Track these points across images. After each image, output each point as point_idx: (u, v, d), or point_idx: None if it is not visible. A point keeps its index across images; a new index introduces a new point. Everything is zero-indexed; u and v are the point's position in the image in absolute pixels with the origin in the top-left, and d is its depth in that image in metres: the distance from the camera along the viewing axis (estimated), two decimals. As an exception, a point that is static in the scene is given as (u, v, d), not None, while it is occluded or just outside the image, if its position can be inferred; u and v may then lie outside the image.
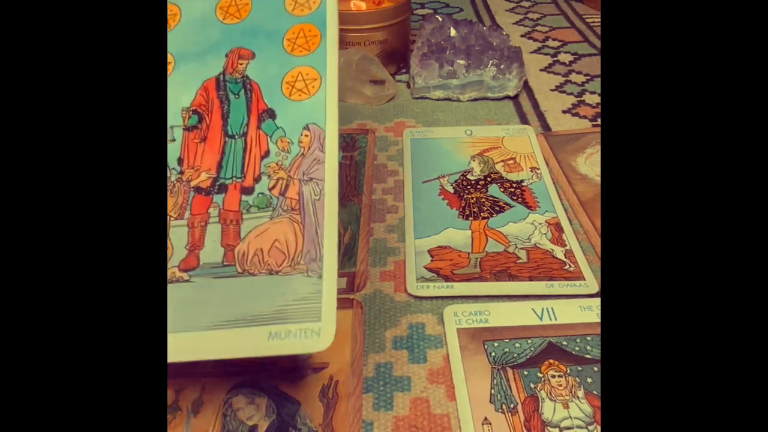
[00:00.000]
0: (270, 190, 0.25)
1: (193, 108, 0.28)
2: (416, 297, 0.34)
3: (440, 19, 0.59)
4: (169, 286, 0.24)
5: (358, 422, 0.27)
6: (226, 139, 0.27)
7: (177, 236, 0.26)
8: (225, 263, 0.24)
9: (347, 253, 0.36)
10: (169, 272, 0.24)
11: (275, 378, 0.29)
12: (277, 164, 0.26)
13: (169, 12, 0.29)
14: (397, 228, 0.39)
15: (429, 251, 0.37)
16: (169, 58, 0.28)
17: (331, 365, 0.29)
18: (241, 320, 0.23)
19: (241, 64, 0.28)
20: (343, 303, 0.33)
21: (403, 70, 0.60)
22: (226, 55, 0.29)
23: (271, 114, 0.27)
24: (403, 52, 0.60)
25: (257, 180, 0.26)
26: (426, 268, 0.36)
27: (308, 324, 0.23)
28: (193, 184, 0.26)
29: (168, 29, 0.29)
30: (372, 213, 0.40)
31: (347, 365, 0.29)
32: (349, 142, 0.48)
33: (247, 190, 0.26)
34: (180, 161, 0.27)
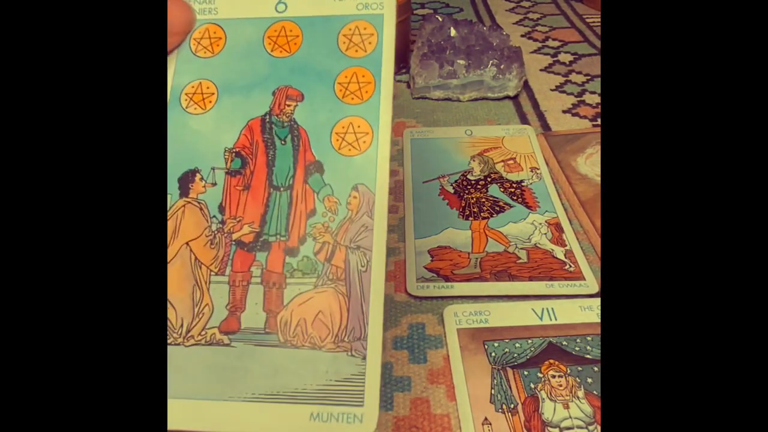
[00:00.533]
0: (315, 254, 0.23)
1: (236, 149, 0.25)
2: (416, 297, 0.34)
3: (440, 19, 0.59)
4: (210, 349, 0.23)
5: (358, 422, 0.27)
6: (271, 190, 0.24)
7: (217, 294, 0.23)
8: (267, 330, 0.23)
9: None
10: (208, 333, 0.23)
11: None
12: (323, 226, 0.23)
13: (213, 34, 0.26)
14: (397, 228, 0.39)
15: (429, 251, 0.37)
16: (212, 87, 0.26)
17: (332, 365, 0.29)
18: (283, 395, 0.22)
19: (288, 105, 0.25)
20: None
21: (403, 70, 0.60)
22: (273, 93, 0.26)
23: (319, 168, 0.24)
24: (403, 52, 0.60)
25: (302, 241, 0.23)
26: (426, 268, 0.36)
27: (351, 408, 0.21)
28: (234, 236, 0.24)
29: (212, 53, 0.26)
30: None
31: (347, 365, 0.29)
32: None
33: (292, 252, 0.23)
34: (221, 209, 0.24)
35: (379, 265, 0.23)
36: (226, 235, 0.24)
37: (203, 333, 0.23)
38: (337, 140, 0.25)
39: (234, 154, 0.25)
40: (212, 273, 0.24)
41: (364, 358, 0.22)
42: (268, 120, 0.25)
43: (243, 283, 0.24)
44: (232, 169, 0.25)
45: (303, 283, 0.23)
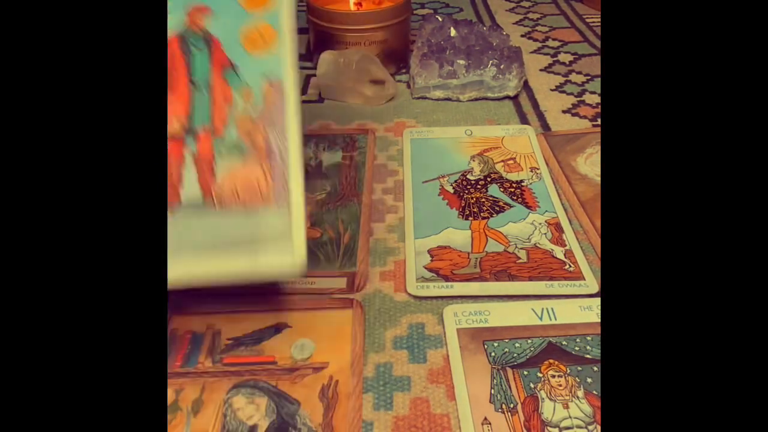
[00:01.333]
0: (238, 137, 0.28)
1: None
2: (416, 297, 0.34)
3: (440, 19, 0.59)
4: None
5: (357, 422, 0.27)
6: (192, 87, 0.29)
7: None
8: (204, 202, 0.27)
9: (346, 253, 0.36)
10: None
11: (275, 378, 0.29)
12: (242, 113, 0.28)
13: None
14: (397, 228, 0.39)
15: (429, 251, 0.37)
16: None
17: (331, 365, 0.29)
18: (223, 250, 0.26)
19: (201, 19, 0.30)
20: (343, 303, 0.33)
21: (403, 70, 0.60)
22: (188, 13, 0.30)
23: (234, 67, 0.29)
24: (403, 52, 0.60)
25: (226, 127, 0.28)
26: (426, 268, 0.36)
27: (283, 246, 0.27)
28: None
29: None
30: (372, 213, 0.40)
31: (347, 365, 0.29)
32: (349, 142, 0.48)
33: (218, 137, 0.28)
34: None
35: (295, 142, 0.28)
36: None
37: None
38: (246, 43, 0.29)
39: None
40: None
41: (289, 210, 0.27)
42: (184, 32, 0.30)
43: (178, 166, 0.28)
44: None
45: (231, 160, 0.28)
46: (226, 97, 0.28)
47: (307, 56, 0.62)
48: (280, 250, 0.26)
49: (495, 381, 0.28)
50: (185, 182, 0.28)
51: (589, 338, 0.30)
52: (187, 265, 0.25)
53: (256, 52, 0.29)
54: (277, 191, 0.27)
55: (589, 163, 0.44)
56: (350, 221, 0.39)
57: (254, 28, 0.29)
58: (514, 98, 0.55)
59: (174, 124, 0.28)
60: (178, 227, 0.26)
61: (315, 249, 0.37)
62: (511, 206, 0.41)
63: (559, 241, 0.37)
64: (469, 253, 0.37)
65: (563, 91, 0.56)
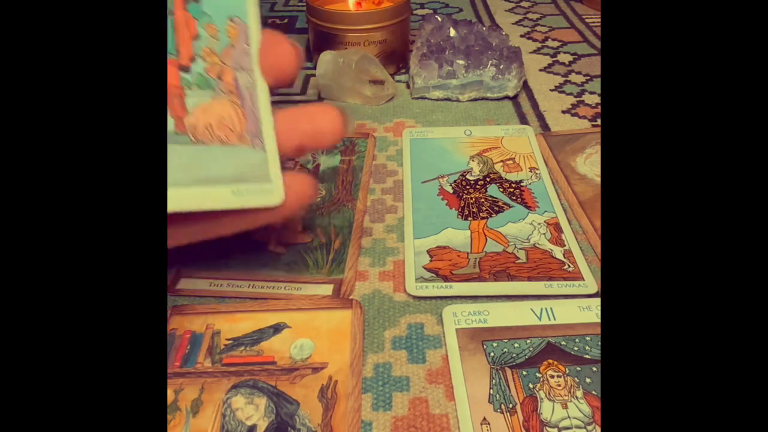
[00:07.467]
0: (206, 72, 0.27)
1: None
2: (415, 297, 0.34)
3: (440, 19, 0.59)
4: None
5: (357, 422, 0.27)
6: None
7: None
8: (177, 132, 0.26)
9: (335, 260, 0.36)
10: None
11: (274, 378, 0.29)
12: (209, 48, 0.27)
13: None
14: (397, 228, 0.39)
15: (428, 251, 0.37)
16: None
17: (330, 365, 0.29)
18: (203, 180, 0.26)
19: None
20: (342, 303, 0.33)
21: (403, 70, 0.60)
22: None
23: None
24: (403, 52, 0.60)
25: (192, 60, 0.27)
26: (425, 268, 0.36)
27: (262, 184, 0.27)
28: None
29: None
30: (365, 220, 0.40)
31: (346, 365, 0.29)
32: (348, 146, 0.48)
33: (185, 68, 0.27)
34: None
35: (262, 83, 0.27)
36: None
37: None
38: None
39: None
40: None
41: (264, 149, 0.27)
42: None
43: None
44: None
45: (201, 95, 0.27)
46: (190, 29, 0.27)
47: (307, 56, 0.62)
48: (261, 185, 0.27)
49: (494, 381, 0.28)
50: None
51: (588, 338, 0.30)
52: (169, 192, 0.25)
53: None
54: (250, 130, 0.27)
55: (589, 164, 0.45)
56: (343, 227, 0.39)
57: None
58: (514, 98, 0.55)
59: None
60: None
61: (305, 254, 0.36)
62: (510, 206, 0.41)
63: (558, 241, 0.37)
64: (468, 253, 0.37)
65: (563, 92, 0.56)
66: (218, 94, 0.27)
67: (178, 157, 0.26)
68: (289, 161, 0.42)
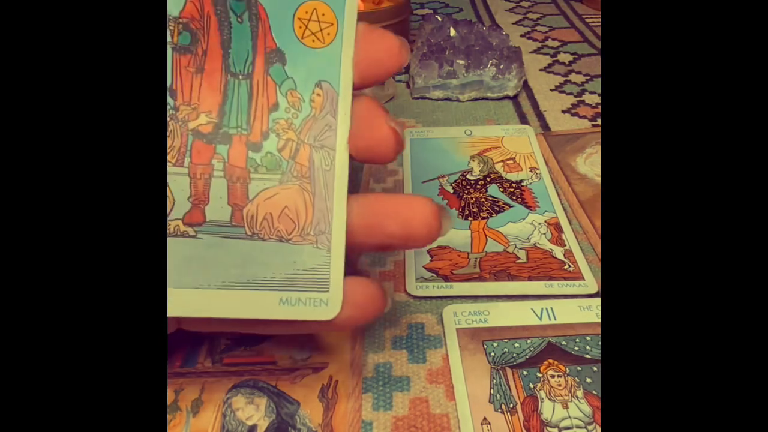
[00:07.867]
0: (279, 151, 0.22)
1: (184, 20, 0.22)
2: (416, 297, 0.34)
3: (440, 19, 0.59)
4: (173, 240, 0.22)
5: (357, 422, 0.27)
6: (229, 77, 0.22)
7: (177, 186, 0.22)
8: (233, 223, 0.22)
9: None
10: (171, 225, 0.22)
11: (275, 378, 0.29)
12: (286, 122, 0.22)
13: None
14: (397, 228, 0.39)
15: (428, 251, 0.37)
16: None
17: (331, 365, 0.29)
18: (252, 283, 0.22)
19: None
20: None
21: (403, 70, 0.60)
22: None
23: (281, 58, 0.22)
24: (403, 52, 0.60)
25: (265, 137, 0.22)
26: (425, 267, 0.36)
27: (317, 294, 0.22)
28: (191, 126, 0.22)
29: None
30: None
31: (347, 365, 0.29)
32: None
33: (254, 147, 0.22)
34: (172, 93, 0.22)
35: (342, 164, 0.23)
36: (180, 123, 0.22)
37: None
38: (300, 27, 0.22)
39: (181, 25, 0.22)
40: (170, 164, 0.22)
41: (329, 250, 0.22)
42: None
43: (204, 175, 0.22)
44: (179, 45, 0.22)
45: (268, 179, 0.22)
46: (269, 98, 0.22)
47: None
48: (315, 295, 0.22)
49: (494, 381, 0.28)
50: (212, 197, 0.22)
51: (588, 338, 0.30)
52: (208, 295, 0.22)
53: (308, 41, 0.22)
54: (317, 226, 0.22)
55: (589, 163, 0.45)
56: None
57: (311, 6, 0.22)
58: (514, 98, 0.55)
59: (202, 118, 0.22)
60: (199, 250, 0.22)
61: None
62: (510, 206, 0.41)
63: (558, 241, 0.37)
64: (468, 253, 0.37)
65: (563, 91, 0.56)
66: (288, 178, 0.22)
67: (227, 254, 0.22)
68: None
